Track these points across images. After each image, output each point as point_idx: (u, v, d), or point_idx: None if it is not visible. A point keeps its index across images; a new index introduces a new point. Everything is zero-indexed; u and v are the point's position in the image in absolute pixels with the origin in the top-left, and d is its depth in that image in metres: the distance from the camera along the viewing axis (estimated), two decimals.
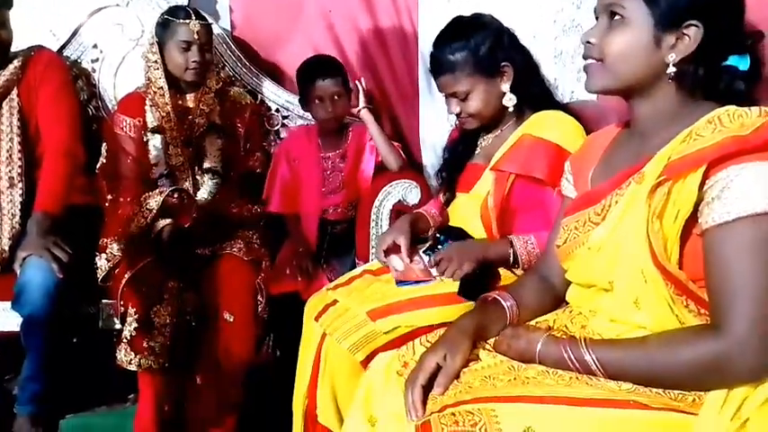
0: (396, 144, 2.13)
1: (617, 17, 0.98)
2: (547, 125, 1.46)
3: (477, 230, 1.56)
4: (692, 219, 0.91)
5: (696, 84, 0.97)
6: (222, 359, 1.76)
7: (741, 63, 0.97)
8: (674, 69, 0.96)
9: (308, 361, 1.44)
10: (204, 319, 1.80)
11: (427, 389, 1.00)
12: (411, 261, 1.51)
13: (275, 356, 1.87)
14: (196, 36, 1.90)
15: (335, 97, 2.03)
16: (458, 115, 1.55)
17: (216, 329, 1.77)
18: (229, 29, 2.38)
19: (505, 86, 1.48)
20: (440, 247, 1.56)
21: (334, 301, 1.47)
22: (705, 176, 0.89)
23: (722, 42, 0.95)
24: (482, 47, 1.46)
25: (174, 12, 1.96)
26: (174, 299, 1.75)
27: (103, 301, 1.85)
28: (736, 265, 0.87)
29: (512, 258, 1.46)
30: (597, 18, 1.02)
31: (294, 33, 2.40)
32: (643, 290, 0.94)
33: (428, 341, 1.13)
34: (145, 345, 1.69)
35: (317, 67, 2.06)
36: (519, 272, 1.48)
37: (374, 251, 1.56)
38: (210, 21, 2.03)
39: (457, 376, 1.01)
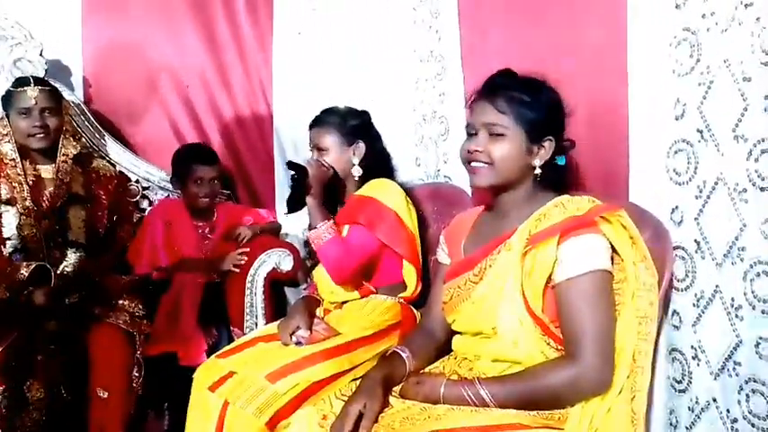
0: (262, 214, 2.32)
1: (498, 134, 1.27)
2: (369, 187, 1.79)
3: (338, 291, 1.78)
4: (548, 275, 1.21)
5: (543, 178, 1.31)
6: None
7: (561, 161, 1.34)
8: (539, 171, 1.28)
9: (207, 430, 1.48)
10: (79, 392, 1.73)
11: None
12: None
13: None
14: (34, 101, 1.90)
15: (214, 181, 2.22)
16: None
17: (88, 405, 1.71)
18: (83, 100, 2.34)
19: (355, 159, 1.80)
20: None
21: (231, 373, 1.55)
22: (557, 244, 1.20)
23: (558, 148, 1.31)
24: (349, 121, 1.82)
25: (16, 83, 1.96)
26: (44, 372, 1.67)
27: None
28: (580, 309, 1.18)
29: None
30: (472, 133, 1.30)
31: (151, 106, 2.46)
32: (520, 332, 1.21)
33: (343, 394, 1.29)
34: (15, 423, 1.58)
35: (199, 153, 2.25)
36: None
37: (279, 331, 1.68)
38: (63, 88, 2.02)
39: (376, 420, 1.18)
